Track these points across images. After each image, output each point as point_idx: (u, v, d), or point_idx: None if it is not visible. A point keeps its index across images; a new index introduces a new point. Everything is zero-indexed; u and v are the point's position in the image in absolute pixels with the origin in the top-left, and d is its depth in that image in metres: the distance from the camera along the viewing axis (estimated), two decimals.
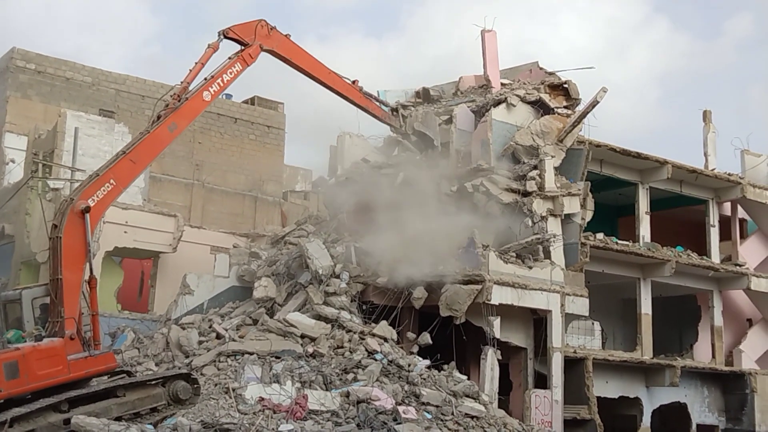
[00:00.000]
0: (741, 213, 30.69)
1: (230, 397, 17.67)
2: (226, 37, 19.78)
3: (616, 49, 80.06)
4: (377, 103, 24.22)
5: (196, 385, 17.52)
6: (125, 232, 26.16)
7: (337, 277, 22.58)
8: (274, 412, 17.18)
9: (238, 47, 20.10)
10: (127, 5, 79.30)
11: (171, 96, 18.81)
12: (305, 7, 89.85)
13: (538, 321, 22.89)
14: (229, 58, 19.83)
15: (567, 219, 23.93)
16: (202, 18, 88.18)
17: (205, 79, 19.18)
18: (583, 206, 24.29)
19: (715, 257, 28.85)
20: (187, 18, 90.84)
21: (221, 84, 19.45)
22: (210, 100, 19.32)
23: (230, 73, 19.65)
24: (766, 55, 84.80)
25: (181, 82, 18.73)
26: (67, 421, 15.19)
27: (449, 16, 75.47)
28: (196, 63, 19.08)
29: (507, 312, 21.87)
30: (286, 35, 21.14)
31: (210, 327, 22.19)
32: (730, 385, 28.53)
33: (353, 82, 23.09)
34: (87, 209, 16.45)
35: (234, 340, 20.68)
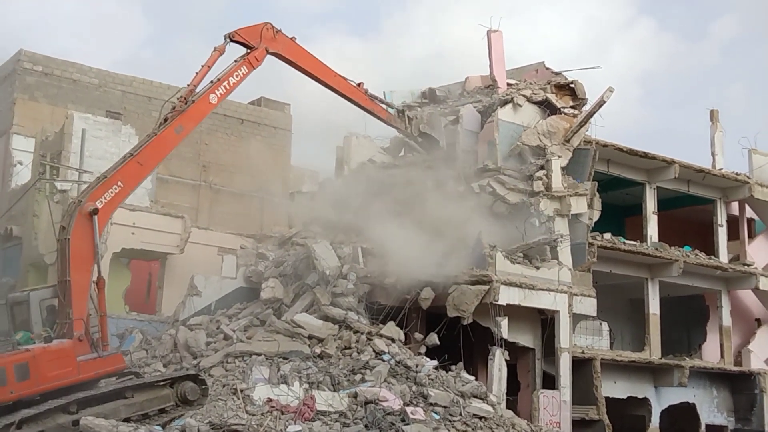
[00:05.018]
0: (749, 212, 30.61)
1: (238, 398, 17.68)
2: (232, 41, 19.86)
3: (596, 48, 79.69)
4: (383, 106, 24.17)
5: (204, 386, 17.57)
6: (133, 233, 26.17)
7: (344, 277, 22.55)
8: (282, 413, 17.20)
9: (244, 50, 20.14)
10: (114, 7, 78.76)
11: (177, 98, 18.91)
12: (282, 7, 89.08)
13: (545, 321, 22.86)
14: (235, 61, 19.89)
15: (574, 219, 23.91)
16: (180, 19, 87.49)
17: (212, 82, 19.28)
18: (590, 206, 24.26)
19: (723, 257, 28.77)
20: (164, 18, 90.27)
21: (227, 87, 19.57)
22: (216, 102, 19.47)
23: (236, 76, 19.76)
24: (749, 57, 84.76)
25: (188, 85, 18.85)
26: (75, 423, 15.26)
27: (429, 17, 75.32)
28: (202, 66, 19.19)
29: (514, 312, 21.84)
30: (291, 38, 21.16)
31: (218, 328, 22.20)
32: (739, 385, 28.43)
33: (359, 84, 23.03)
34: (95, 211, 16.59)
35: (242, 341, 20.68)
